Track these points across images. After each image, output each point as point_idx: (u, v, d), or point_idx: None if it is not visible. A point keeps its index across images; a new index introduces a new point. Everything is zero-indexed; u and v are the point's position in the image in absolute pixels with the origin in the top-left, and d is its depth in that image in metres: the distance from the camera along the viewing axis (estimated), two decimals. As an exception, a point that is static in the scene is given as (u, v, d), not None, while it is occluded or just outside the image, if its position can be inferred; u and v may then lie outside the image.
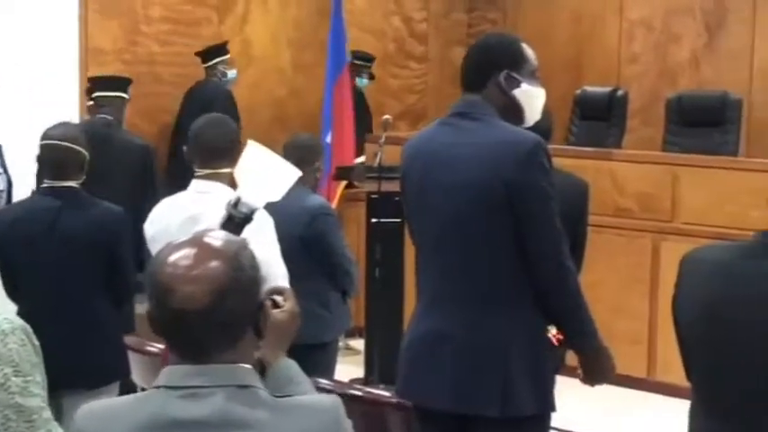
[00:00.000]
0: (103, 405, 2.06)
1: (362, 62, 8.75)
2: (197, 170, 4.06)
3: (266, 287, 2.12)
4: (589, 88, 8.65)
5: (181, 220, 3.84)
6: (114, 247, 4.27)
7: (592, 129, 8.30)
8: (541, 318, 3.37)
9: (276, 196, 3.22)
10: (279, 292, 2.23)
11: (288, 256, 4.05)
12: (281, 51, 8.78)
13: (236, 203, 3.00)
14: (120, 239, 4.30)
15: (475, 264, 3.32)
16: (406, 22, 9.78)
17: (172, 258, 1.96)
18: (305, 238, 4.83)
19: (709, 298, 2.54)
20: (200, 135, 4.09)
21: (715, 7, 8.85)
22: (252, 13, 8.68)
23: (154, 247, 3.87)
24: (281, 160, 3.30)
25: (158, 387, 1.97)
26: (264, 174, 3.16)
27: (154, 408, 1.95)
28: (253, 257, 2.03)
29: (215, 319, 1.94)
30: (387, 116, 6.92)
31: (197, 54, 8.05)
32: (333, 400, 2.03)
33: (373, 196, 6.73)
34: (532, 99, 3.45)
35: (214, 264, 1.95)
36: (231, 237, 2.09)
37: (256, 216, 3.05)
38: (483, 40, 3.63)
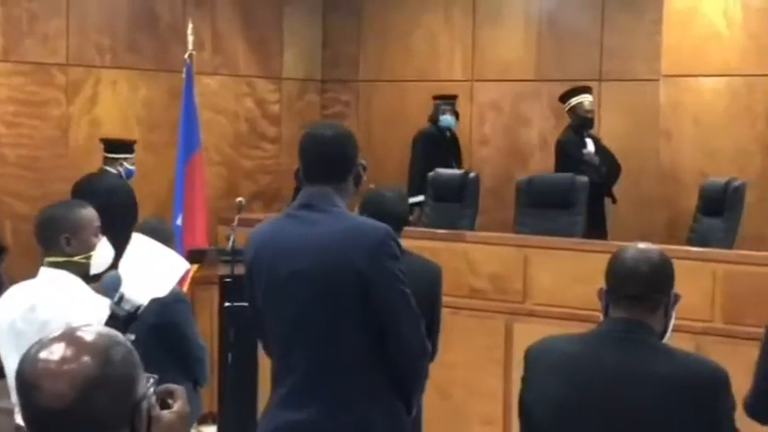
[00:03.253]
0: None
1: (443, 100, 8.94)
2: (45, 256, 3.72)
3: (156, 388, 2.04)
4: (442, 170, 8.72)
5: (22, 310, 3.58)
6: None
7: (445, 210, 8.36)
8: (401, 403, 3.34)
9: (162, 291, 3.09)
10: (168, 392, 2.16)
11: (137, 344, 3.92)
12: (130, 131, 8.65)
13: (120, 300, 2.88)
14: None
15: (329, 352, 3.26)
16: (258, 104, 9.77)
17: (40, 355, 1.85)
18: (157, 326, 4.70)
19: (559, 394, 2.54)
20: (53, 219, 3.68)
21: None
22: (101, 93, 8.55)
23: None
24: (170, 252, 3.19)
25: None
26: (150, 268, 3.04)
27: None
28: (128, 353, 1.92)
29: (82, 418, 1.83)
30: (240, 198, 6.86)
31: (101, 140, 7.92)
32: None
33: (226, 280, 6.63)
34: None
35: (82, 359, 1.85)
36: (105, 331, 1.99)
37: None
38: (337, 132, 3.42)
